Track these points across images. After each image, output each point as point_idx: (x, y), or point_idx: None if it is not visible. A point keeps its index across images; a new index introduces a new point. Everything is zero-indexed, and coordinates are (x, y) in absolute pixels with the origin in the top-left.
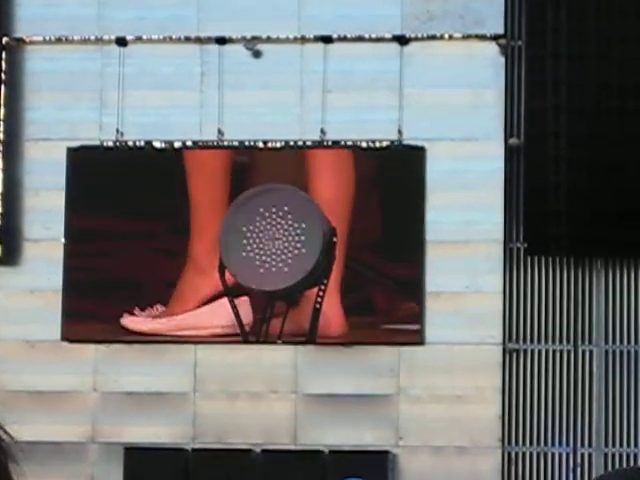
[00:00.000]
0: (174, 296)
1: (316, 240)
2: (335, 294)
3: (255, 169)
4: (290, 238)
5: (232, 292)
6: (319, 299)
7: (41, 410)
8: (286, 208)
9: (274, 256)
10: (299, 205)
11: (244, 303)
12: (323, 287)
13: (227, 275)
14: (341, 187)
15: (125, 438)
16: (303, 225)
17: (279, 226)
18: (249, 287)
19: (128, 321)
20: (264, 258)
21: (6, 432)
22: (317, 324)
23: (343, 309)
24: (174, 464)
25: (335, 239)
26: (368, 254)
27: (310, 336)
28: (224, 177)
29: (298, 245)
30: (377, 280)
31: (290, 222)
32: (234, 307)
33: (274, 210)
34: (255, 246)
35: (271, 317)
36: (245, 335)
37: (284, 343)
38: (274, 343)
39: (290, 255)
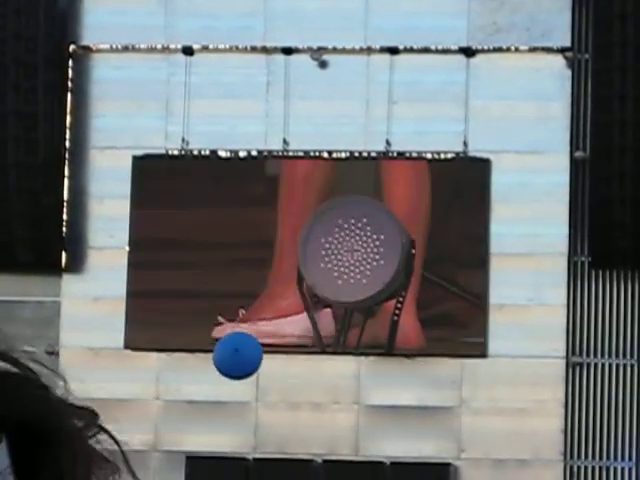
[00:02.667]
0: (253, 307)
1: (395, 252)
2: (412, 306)
3: (326, 180)
4: (369, 250)
5: (311, 303)
6: (397, 311)
7: (103, 418)
8: (365, 220)
9: (352, 267)
10: (378, 217)
11: (326, 315)
12: (401, 299)
13: (305, 286)
14: (417, 199)
15: (187, 447)
16: (382, 237)
17: (357, 238)
18: (326, 298)
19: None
20: (342, 269)
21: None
22: (395, 336)
23: (420, 322)
24: (235, 473)
25: (414, 251)
26: (440, 267)
27: (388, 348)
28: (308, 188)
29: (377, 257)
30: (450, 293)
31: (369, 234)
32: (312, 318)
33: (353, 221)
34: (333, 257)
35: (348, 329)
36: (322, 347)
37: (362, 355)
38: (352, 354)
39: (368, 267)
